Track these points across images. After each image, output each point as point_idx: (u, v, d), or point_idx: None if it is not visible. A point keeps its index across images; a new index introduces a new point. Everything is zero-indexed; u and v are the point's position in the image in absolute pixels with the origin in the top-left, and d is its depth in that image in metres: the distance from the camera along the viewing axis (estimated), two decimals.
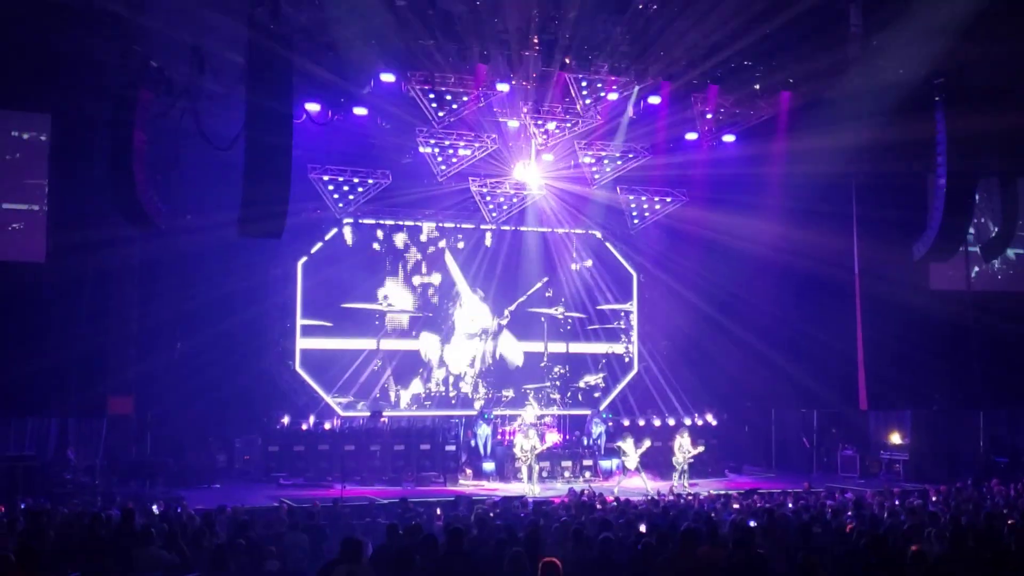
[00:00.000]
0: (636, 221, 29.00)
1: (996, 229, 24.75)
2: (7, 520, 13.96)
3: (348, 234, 27.38)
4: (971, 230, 23.04)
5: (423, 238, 28.32)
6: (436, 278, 28.47)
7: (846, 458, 27.07)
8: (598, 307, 29.86)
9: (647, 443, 23.74)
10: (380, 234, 27.80)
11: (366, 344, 27.24)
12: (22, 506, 16.86)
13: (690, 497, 19.79)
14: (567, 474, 25.04)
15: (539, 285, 29.09)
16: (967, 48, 19.53)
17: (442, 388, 28.09)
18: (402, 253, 28.16)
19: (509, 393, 28.56)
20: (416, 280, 28.29)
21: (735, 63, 21.84)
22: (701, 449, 23.80)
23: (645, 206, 28.46)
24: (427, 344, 28.18)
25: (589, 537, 10.52)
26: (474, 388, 28.38)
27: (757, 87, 22.65)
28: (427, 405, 27.81)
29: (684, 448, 23.23)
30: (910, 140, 21.25)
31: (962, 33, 19.18)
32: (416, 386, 27.88)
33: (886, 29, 19.73)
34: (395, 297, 27.84)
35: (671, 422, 27.78)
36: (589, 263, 29.81)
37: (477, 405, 27.87)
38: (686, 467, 23.37)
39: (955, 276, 25.79)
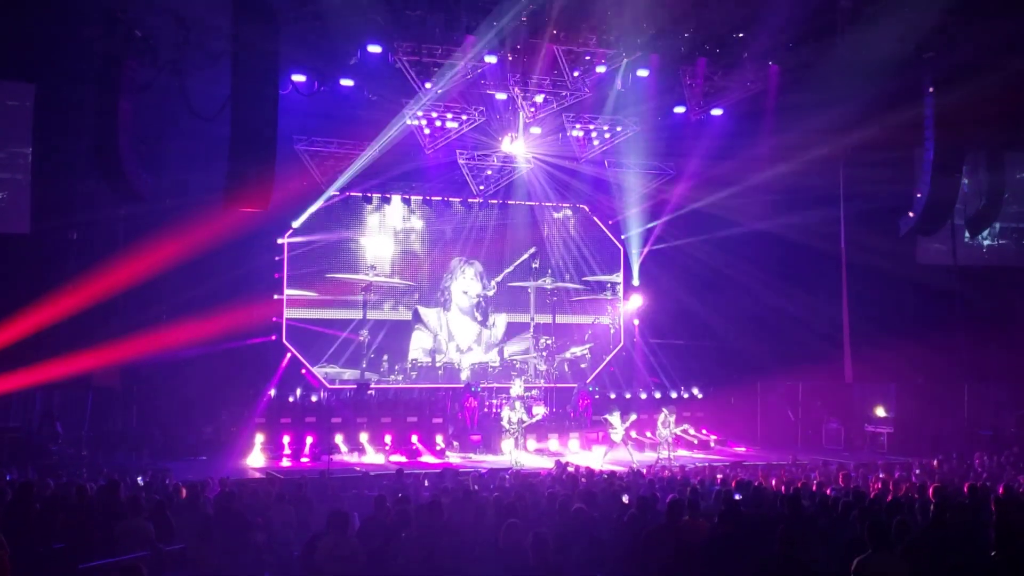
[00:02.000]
0: (623, 194, 28.99)
1: (983, 203, 24.78)
2: None
3: (334, 206, 27.25)
4: (958, 204, 23.05)
5: (410, 210, 28.21)
6: (423, 249, 28.42)
7: (831, 431, 27.19)
8: (584, 278, 29.88)
9: (633, 416, 23.84)
10: (366, 206, 27.70)
11: (352, 315, 27.21)
12: (8, 478, 16.83)
13: (675, 469, 19.89)
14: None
15: (526, 256, 29.04)
16: (956, 22, 19.54)
17: (428, 359, 28.09)
18: (388, 225, 28.09)
19: (495, 363, 28.60)
20: (402, 251, 28.23)
21: (724, 36, 21.78)
22: (687, 427, 23.87)
23: (632, 179, 28.42)
24: (425, 315, 28.24)
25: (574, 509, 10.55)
26: (473, 359, 28.54)
27: (746, 60, 22.58)
28: (413, 376, 27.81)
29: (668, 423, 23.30)
30: (898, 113, 21.24)
31: (951, 7, 19.19)
32: (404, 358, 27.88)
33: (875, 3, 19.71)
34: (381, 268, 27.78)
35: (657, 395, 27.88)
36: (569, 213, 29.86)
37: (464, 376, 27.90)
38: (670, 440, 23.43)
39: (941, 250, 25.86)
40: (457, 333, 28.60)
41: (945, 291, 25.35)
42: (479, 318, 28.80)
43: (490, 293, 28.83)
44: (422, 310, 28.24)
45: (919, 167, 21.37)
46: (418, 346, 28.13)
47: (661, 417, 23.40)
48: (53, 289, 20.50)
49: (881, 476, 16.98)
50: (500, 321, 29.03)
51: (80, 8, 19.28)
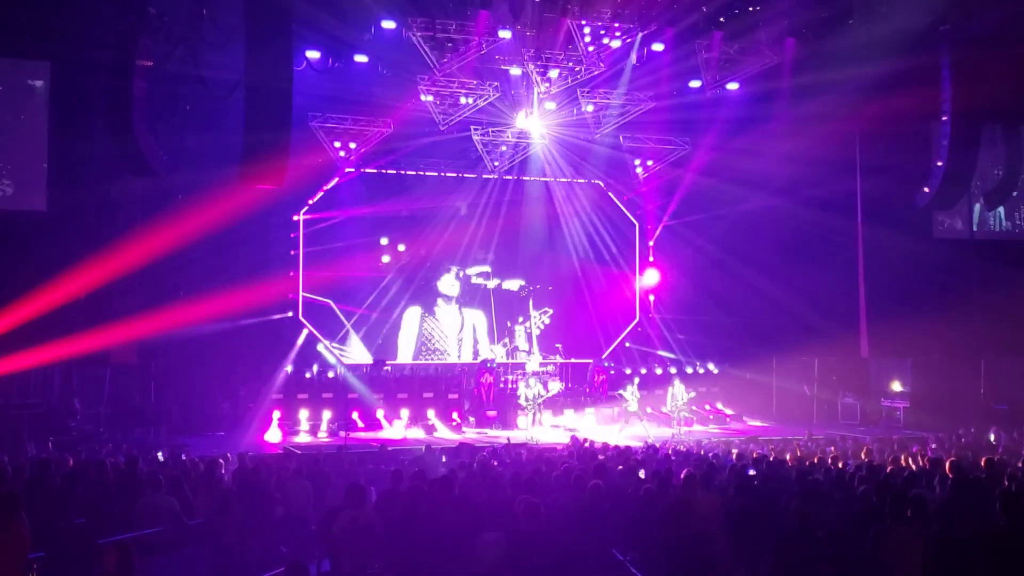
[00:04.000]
0: (639, 170, 28.90)
1: (1000, 176, 24.64)
2: (13, 468, 14.06)
3: (349, 182, 27.22)
4: (974, 177, 22.90)
5: (424, 187, 28.10)
6: (438, 226, 28.31)
7: (846, 406, 27.17)
8: (600, 256, 29.78)
9: (636, 380, 24.20)
10: (381, 183, 27.62)
11: (367, 291, 27.26)
12: (29, 454, 16.98)
13: (691, 444, 19.92)
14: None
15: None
16: None
17: (447, 337, 28.13)
18: (403, 202, 28.03)
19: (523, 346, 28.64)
20: (418, 227, 28.16)
21: (739, 9, 21.64)
22: (693, 395, 23.91)
23: (648, 154, 28.34)
24: (440, 287, 28.37)
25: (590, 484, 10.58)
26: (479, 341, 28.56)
27: (761, 34, 22.43)
28: (433, 352, 27.88)
29: (677, 396, 23.33)
30: (915, 87, 21.10)
31: None
32: (419, 334, 27.93)
33: None
34: (396, 244, 27.75)
35: (672, 370, 27.89)
36: (584, 188, 29.70)
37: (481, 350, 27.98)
38: (683, 414, 23.47)
39: (958, 223, 25.73)
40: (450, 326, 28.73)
41: (962, 265, 25.24)
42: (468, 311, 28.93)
43: (522, 294, 28.76)
44: (445, 280, 28.36)
45: (936, 140, 21.24)
46: (435, 324, 28.20)
47: (669, 392, 23.47)
48: (70, 266, 20.57)
49: (897, 450, 16.98)
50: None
51: None
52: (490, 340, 28.27)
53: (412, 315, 28.18)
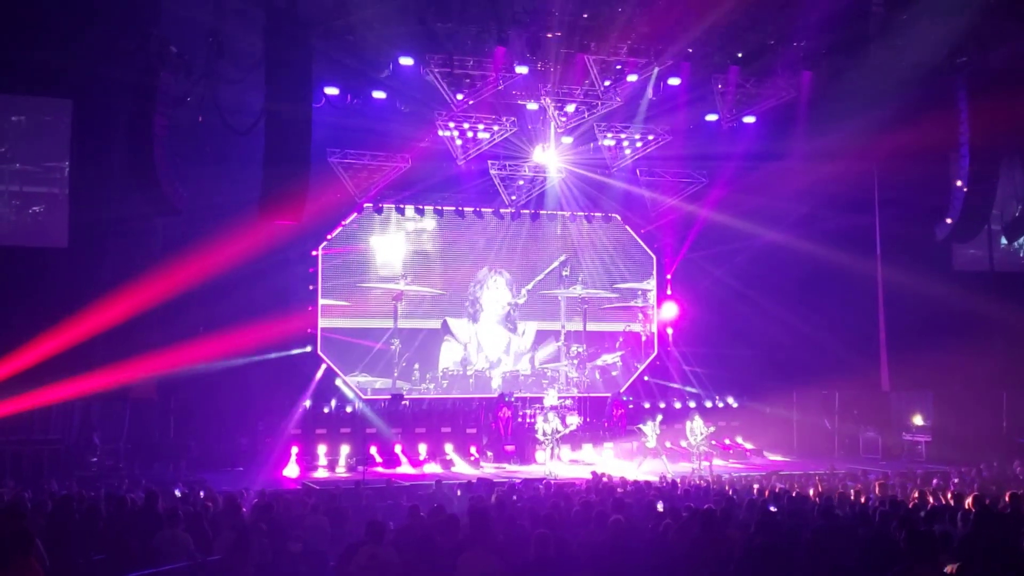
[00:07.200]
0: (655, 203, 28.89)
1: (1020, 208, 24.54)
2: (33, 504, 14.08)
3: (367, 217, 27.35)
4: (994, 209, 22.81)
5: (442, 221, 28.18)
6: (456, 259, 28.40)
7: (868, 440, 26.95)
8: (616, 285, 29.77)
9: (659, 417, 24.08)
10: (399, 217, 27.71)
11: (385, 325, 27.26)
12: (52, 489, 17.00)
13: (711, 479, 19.79)
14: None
15: (556, 264, 28.98)
16: (990, 26, 19.40)
17: (459, 369, 28.11)
18: (421, 235, 28.14)
19: (527, 371, 28.56)
20: (435, 261, 28.25)
21: (756, 43, 21.70)
22: (712, 429, 23.75)
23: (665, 188, 28.36)
24: (454, 327, 28.27)
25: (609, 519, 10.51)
26: (503, 369, 28.56)
27: (778, 68, 22.49)
28: (444, 385, 27.85)
29: (696, 431, 23.18)
30: (932, 120, 21.08)
31: (985, 11, 19.06)
32: (435, 367, 27.92)
33: (908, 8, 19.63)
34: (414, 278, 27.79)
35: (691, 405, 27.74)
36: (601, 222, 29.73)
37: (495, 385, 27.91)
38: (703, 449, 23.31)
39: (978, 256, 25.61)
40: (486, 343, 28.57)
41: (982, 297, 25.08)
42: (509, 327, 28.79)
43: (520, 301, 28.79)
44: (451, 321, 28.22)
45: (954, 173, 21.20)
46: (448, 357, 28.14)
47: (688, 427, 23.32)
48: (91, 302, 20.69)
49: (920, 484, 16.83)
50: (529, 329, 29.00)
51: (115, 24, 19.49)
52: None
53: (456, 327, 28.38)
